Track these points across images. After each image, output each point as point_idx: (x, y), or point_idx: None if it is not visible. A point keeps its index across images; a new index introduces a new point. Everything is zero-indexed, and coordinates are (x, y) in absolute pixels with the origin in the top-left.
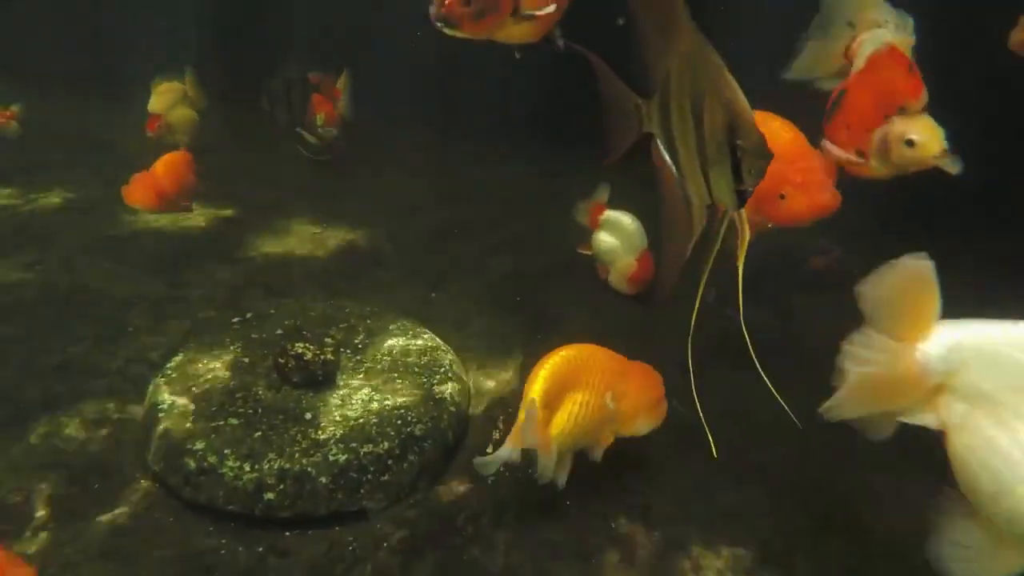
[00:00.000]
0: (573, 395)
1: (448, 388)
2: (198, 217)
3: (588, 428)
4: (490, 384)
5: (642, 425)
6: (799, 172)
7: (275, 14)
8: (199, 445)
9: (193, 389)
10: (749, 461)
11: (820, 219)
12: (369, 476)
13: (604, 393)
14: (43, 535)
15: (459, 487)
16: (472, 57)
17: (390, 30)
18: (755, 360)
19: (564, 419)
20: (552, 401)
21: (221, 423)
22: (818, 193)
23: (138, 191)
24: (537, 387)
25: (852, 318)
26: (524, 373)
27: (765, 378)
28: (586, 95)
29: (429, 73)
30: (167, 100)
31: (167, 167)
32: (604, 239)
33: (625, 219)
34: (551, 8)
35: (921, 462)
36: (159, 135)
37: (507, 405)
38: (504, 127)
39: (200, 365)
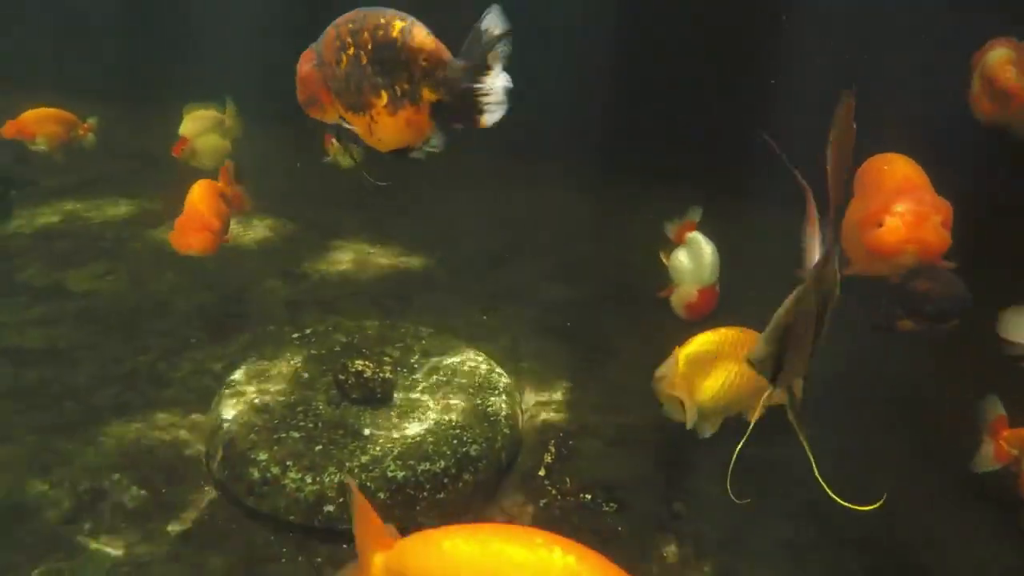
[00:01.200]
0: (727, 364)
1: (503, 409)
2: (256, 232)
3: (741, 395)
4: (540, 407)
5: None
6: (907, 202)
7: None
8: (263, 456)
9: (256, 402)
10: (804, 498)
11: (925, 261)
12: (425, 494)
13: None
14: (115, 536)
15: (512, 507)
16: (541, 82)
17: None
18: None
19: (716, 384)
20: (702, 365)
21: (283, 435)
22: (918, 227)
23: (191, 236)
24: (687, 348)
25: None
26: (573, 399)
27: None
28: (656, 132)
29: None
30: (198, 126)
31: (206, 203)
32: (681, 258)
33: (706, 247)
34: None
35: (983, 508)
36: (184, 158)
37: (557, 429)
38: (564, 153)
39: (262, 379)
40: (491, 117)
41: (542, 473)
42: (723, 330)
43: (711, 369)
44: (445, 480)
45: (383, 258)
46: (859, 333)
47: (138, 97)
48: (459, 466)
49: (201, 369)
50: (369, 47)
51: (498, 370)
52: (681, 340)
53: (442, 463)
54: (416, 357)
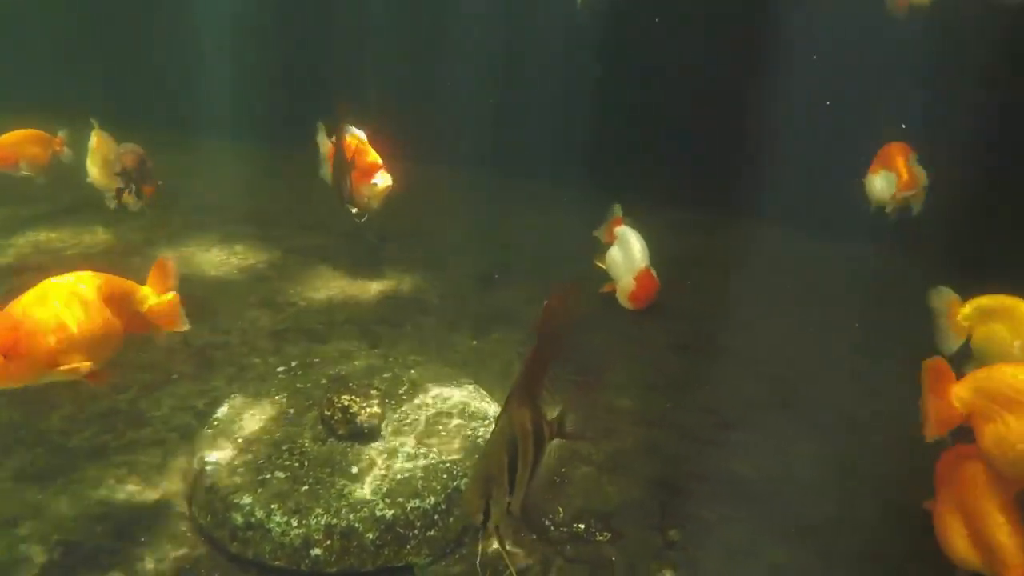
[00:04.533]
0: None
1: None
2: (239, 259)
3: None
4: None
5: None
6: None
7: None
8: (246, 499)
9: (239, 440)
10: (795, 520)
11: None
12: (415, 531)
13: None
14: None
15: (504, 540)
16: (527, 104)
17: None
18: None
19: None
20: None
21: (268, 476)
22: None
23: None
24: None
25: None
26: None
27: None
28: (634, 150)
29: (482, 118)
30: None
31: None
32: (613, 254)
33: (632, 236)
34: None
35: None
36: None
37: (549, 457)
38: (551, 174)
39: (246, 416)
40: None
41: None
42: None
43: None
44: (436, 516)
45: (371, 284)
46: None
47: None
48: (450, 501)
49: (183, 406)
50: None
51: (489, 398)
52: (669, 360)
53: (432, 499)
54: (405, 388)
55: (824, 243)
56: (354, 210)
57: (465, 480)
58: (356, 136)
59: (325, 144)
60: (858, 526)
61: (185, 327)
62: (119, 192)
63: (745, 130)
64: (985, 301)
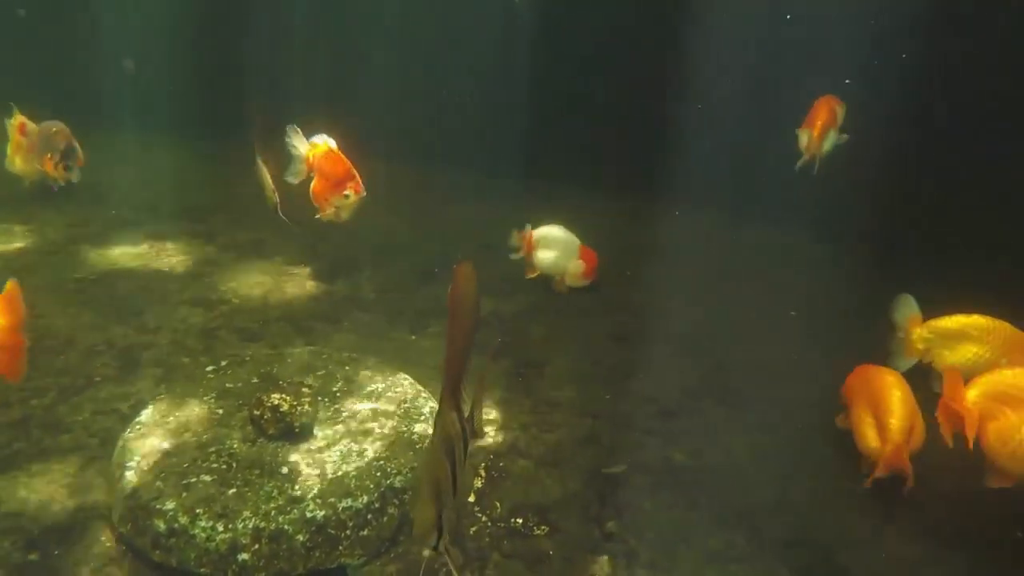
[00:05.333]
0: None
1: (429, 435)
2: (170, 256)
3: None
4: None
5: None
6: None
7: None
8: (169, 505)
9: (164, 444)
10: (732, 506)
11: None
12: (348, 531)
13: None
14: None
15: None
16: (463, 95)
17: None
18: None
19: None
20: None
21: (193, 480)
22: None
23: None
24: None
25: None
26: (503, 418)
27: None
28: (567, 137)
29: (420, 109)
30: None
31: None
32: (545, 255)
33: (555, 230)
34: None
35: (897, 505)
36: None
37: (487, 451)
38: (488, 164)
39: (172, 418)
40: None
41: (472, 499)
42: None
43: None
44: (369, 516)
45: (308, 279)
46: None
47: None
48: (383, 499)
49: (105, 410)
50: None
51: (425, 393)
52: (610, 350)
53: (365, 498)
54: (339, 385)
55: (757, 230)
56: (274, 207)
57: (400, 478)
58: (326, 144)
59: (303, 145)
60: (791, 511)
61: (19, 379)
62: (56, 164)
63: (675, 118)
64: (947, 323)
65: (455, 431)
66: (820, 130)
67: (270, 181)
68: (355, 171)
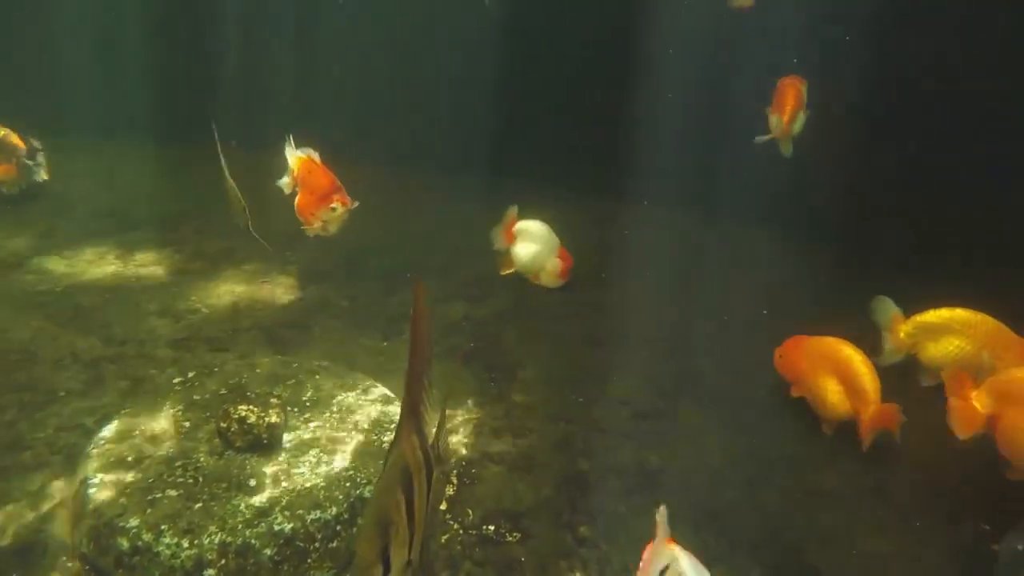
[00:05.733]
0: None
1: None
2: (137, 265)
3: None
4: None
5: None
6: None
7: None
8: (133, 522)
9: (128, 459)
10: (704, 507)
11: None
12: (317, 544)
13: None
14: None
15: None
16: (433, 95)
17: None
18: None
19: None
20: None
21: (158, 495)
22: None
23: None
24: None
25: None
26: (475, 424)
27: None
28: (536, 137)
29: (390, 111)
30: None
31: None
32: (524, 250)
33: (536, 225)
34: None
35: (869, 499)
36: None
37: (459, 458)
38: (461, 163)
39: (137, 432)
40: None
41: (443, 507)
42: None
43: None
44: (338, 527)
45: (279, 286)
46: None
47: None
48: (352, 511)
49: (69, 425)
50: None
51: (396, 401)
52: (582, 354)
53: (334, 509)
54: (309, 394)
55: (727, 227)
56: (245, 225)
57: (370, 489)
58: (309, 156)
59: (293, 156)
60: (763, 510)
61: None
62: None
63: (644, 116)
64: (929, 318)
65: (414, 458)
66: (790, 114)
67: (240, 197)
68: (339, 183)
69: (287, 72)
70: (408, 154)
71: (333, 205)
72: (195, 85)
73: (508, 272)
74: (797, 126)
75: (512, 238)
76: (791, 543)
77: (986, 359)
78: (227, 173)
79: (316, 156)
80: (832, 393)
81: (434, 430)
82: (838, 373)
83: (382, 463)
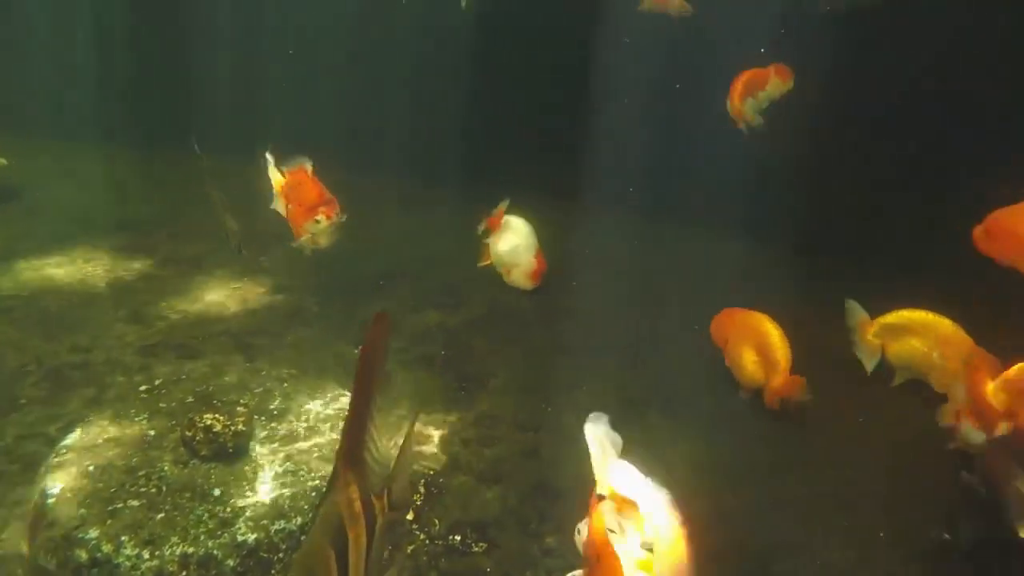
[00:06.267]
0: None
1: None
2: (106, 270)
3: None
4: (414, 445)
5: None
6: None
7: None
8: (92, 533)
9: (90, 468)
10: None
11: None
12: (281, 555)
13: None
14: None
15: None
16: (401, 102)
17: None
18: None
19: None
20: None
21: (120, 506)
22: None
23: None
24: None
25: None
26: (444, 433)
27: None
28: (508, 145)
29: (361, 119)
30: None
31: None
32: (504, 243)
33: (518, 222)
34: None
35: (833, 508)
36: None
37: (428, 467)
38: (424, 173)
39: (101, 441)
40: None
41: (410, 517)
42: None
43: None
44: (303, 538)
45: (250, 292)
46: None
47: None
48: None
49: (31, 434)
50: None
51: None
52: (553, 361)
53: (299, 519)
54: (277, 402)
55: (692, 233)
56: (236, 245)
57: None
58: (301, 168)
59: (276, 175)
60: (727, 520)
61: None
62: None
63: (611, 124)
64: (891, 319)
65: (349, 510)
66: (737, 96)
67: (229, 217)
68: (329, 195)
69: (257, 78)
70: (379, 162)
71: (317, 217)
72: (164, 89)
73: (485, 264)
74: (748, 109)
75: (496, 230)
76: (756, 554)
77: (936, 359)
78: (216, 197)
79: (309, 167)
80: (749, 362)
81: (390, 471)
82: (756, 344)
83: (311, 516)
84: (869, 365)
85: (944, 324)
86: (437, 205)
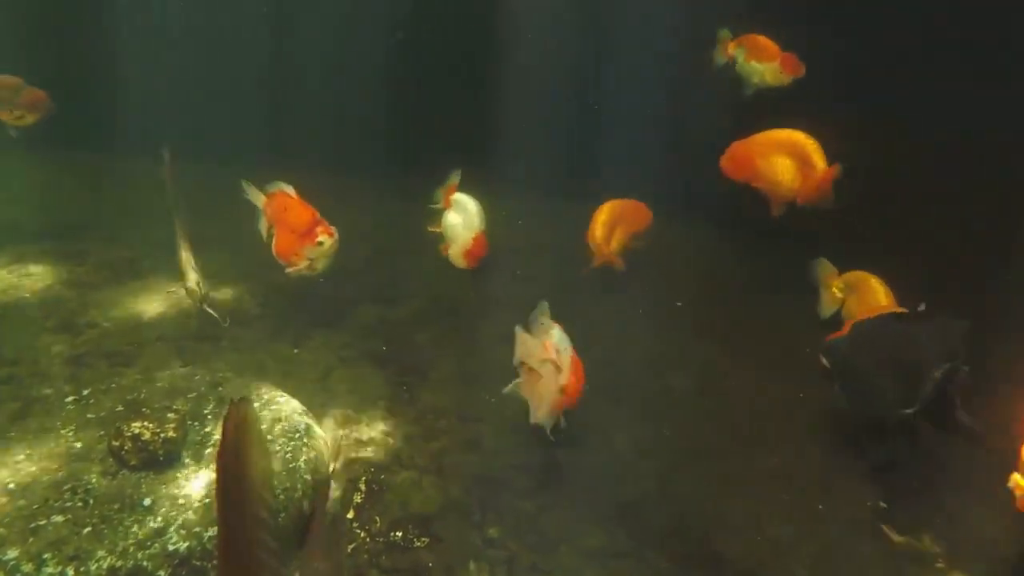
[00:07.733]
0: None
1: (303, 454)
2: (33, 279)
3: None
4: (350, 443)
5: None
6: None
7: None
8: (11, 554)
9: (11, 486)
10: (614, 502)
11: None
12: (215, 562)
13: None
14: None
15: (316, 561)
16: (348, 94)
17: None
18: None
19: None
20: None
21: (43, 523)
22: None
23: None
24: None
25: None
26: (386, 429)
27: None
28: (443, 132)
29: (289, 111)
30: None
31: None
32: (451, 218)
33: (470, 201)
34: None
35: (774, 484)
36: None
37: (369, 464)
38: (365, 168)
39: (23, 456)
40: None
41: (351, 515)
42: None
43: None
44: None
45: (187, 297)
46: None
47: None
48: None
49: None
50: None
51: (300, 410)
52: (496, 352)
53: None
54: (211, 407)
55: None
56: (200, 299)
57: (273, 501)
58: (285, 191)
59: (259, 199)
60: (671, 501)
61: None
62: None
63: (552, 112)
64: (849, 276)
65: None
66: (742, 45)
67: (193, 267)
68: (318, 215)
69: (181, 77)
70: (319, 158)
71: (320, 239)
72: (88, 90)
73: (434, 230)
74: (741, 64)
75: (449, 202)
76: (699, 532)
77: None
78: (180, 239)
79: (291, 190)
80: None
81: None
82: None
83: None
84: (826, 313)
85: (876, 286)
86: (380, 200)
